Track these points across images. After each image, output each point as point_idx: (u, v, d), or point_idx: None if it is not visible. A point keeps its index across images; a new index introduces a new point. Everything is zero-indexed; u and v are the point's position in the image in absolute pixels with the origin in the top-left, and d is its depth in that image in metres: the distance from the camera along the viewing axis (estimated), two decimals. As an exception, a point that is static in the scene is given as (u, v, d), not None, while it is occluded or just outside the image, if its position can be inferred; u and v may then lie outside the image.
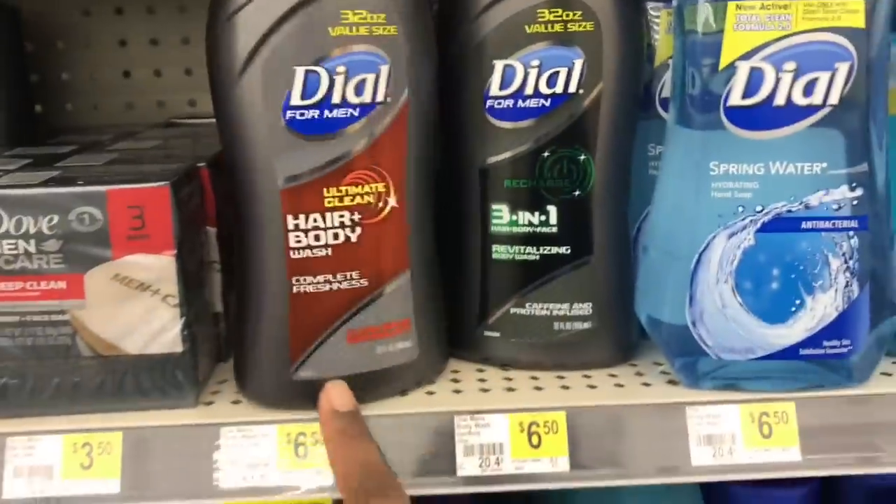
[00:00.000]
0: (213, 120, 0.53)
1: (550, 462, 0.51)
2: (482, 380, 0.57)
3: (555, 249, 0.56)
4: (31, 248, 0.50)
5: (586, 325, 0.57)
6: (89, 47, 0.98)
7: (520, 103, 0.54)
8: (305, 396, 0.52)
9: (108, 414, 0.52)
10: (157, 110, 1.00)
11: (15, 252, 0.50)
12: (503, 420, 0.52)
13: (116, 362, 0.52)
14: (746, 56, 0.50)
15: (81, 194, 0.50)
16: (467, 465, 0.51)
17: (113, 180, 0.51)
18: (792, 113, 0.50)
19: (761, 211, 0.51)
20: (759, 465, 0.52)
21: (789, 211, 0.51)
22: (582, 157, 0.54)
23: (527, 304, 0.57)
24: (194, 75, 0.99)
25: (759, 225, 0.52)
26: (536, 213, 0.55)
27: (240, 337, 0.54)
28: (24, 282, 0.51)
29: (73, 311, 0.51)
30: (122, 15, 0.98)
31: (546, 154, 0.55)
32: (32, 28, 0.95)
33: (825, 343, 0.53)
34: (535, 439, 0.52)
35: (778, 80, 0.50)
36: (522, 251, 0.56)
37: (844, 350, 0.53)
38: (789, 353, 0.53)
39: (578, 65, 0.53)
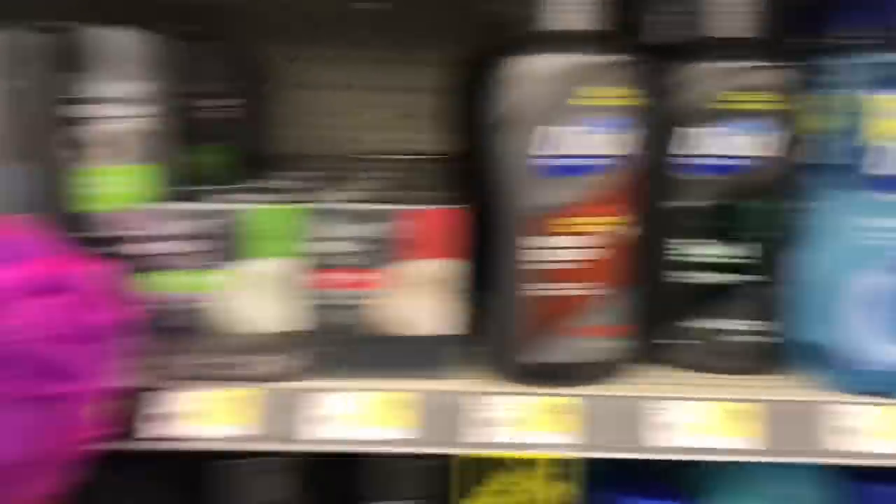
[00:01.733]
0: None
1: (745, 441, 0.66)
2: (667, 377, 0.73)
3: (737, 277, 0.71)
4: (349, 248, 0.67)
5: (754, 339, 0.72)
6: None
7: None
8: (528, 377, 0.68)
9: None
10: (349, 143, 1.17)
11: (333, 251, 0.67)
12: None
13: (400, 340, 0.69)
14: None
15: (390, 212, 0.67)
16: (655, 438, 0.66)
17: (414, 200, 0.68)
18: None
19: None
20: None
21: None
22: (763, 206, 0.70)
23: (709, 319, 0.72)
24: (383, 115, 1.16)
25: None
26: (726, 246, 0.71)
27: (489, 331, 0.71)
28: (335, 274, 0.68)
29: (372, 299, 0.68)
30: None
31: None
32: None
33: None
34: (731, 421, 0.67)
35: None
36: (710, 277, 0.72)
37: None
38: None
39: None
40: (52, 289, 0.57)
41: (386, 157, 1.07)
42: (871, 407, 0.67)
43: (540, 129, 0.65)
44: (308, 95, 1.15)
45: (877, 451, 0.66)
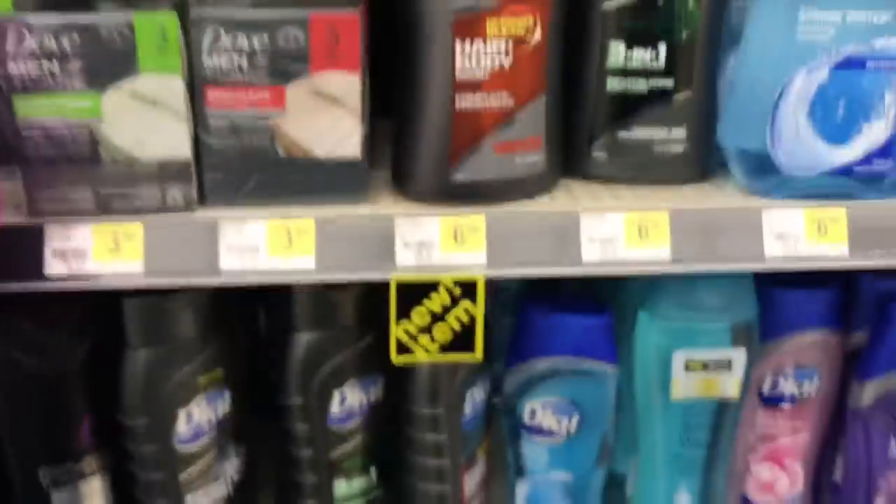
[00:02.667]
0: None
1: (656, 251, 0.65)
2: (591, 191, 0.70)
3: (661, 82, 0.68)
4: (244, 63, 0.60)
5: (680, 148, 0.69)
6: None
7: (641, -48, 0.65)
8: (460, 196, 0.65)
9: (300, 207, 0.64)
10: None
11: (230, 66, 0.60)
12: (618, 217, 0.65)
13: (306, 164, 0.63)
14: (838, -80, 0.61)
15: (287, 18, 0.60)
16: (590, 252, 0.64)
17: (312, 5, 0.60)
18: (869, -28, 0.62)
19: (836, 52, 0.63)
20: (816, 257, 0.66)
21: (859, 52, 0.64)
22: (691, 3, 0.65)
23: (632, 129, 0.69)
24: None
25: (833, 64, 0.64)
26: (649, 50, 0.67)
27: (403, 147, 0.66)
28: (233, 92, 0.61)
29: (275, 119, 0.62)
30: None
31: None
32: None
33: (875, 161, 0.66)
34: (643, 233, 0.65)
35: (861, -58, 0.61)
36: (633, 83, 0.68)
37: (888, 168, 0.66)
38: (845, 170, 0.66)
39: (693, -78, 0.64)
40: None
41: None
42: (796, 210, 0.67)
43: None
44: None
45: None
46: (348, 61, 0.61)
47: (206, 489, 0.75)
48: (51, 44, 0.57)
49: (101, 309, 0.73)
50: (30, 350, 0.70)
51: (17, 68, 0.57)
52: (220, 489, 0.77)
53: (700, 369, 0.74)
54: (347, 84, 0.62)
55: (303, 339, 0.73)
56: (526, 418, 0.77)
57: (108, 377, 0.73)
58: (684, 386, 0.75)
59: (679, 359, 0.74)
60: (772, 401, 0.81)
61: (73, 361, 0.72)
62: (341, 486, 0.78)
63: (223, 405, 0.75)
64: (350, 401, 0.76)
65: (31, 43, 0.57)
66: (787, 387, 0.80)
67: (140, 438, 0.71)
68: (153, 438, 0.71)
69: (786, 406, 0.81)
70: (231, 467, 0.77)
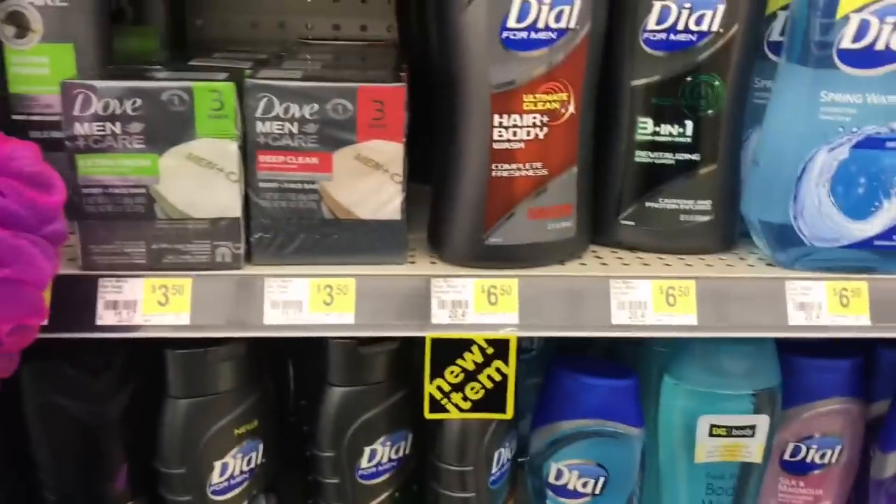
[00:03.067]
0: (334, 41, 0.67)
1: (683, 317, 0.67)
2: (620, 257, 0.73)
3: (688, 156, 0.71)
4: (294, 130, 0.64)
5: (705, 219, 0.72)
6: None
7: (671, 37, 0.68)
8: (493, 258, 0.68)
9: (341, 266, 0.67)
10: (278, 30, 1.12)
11: (281, 132, 0.64)
12: (647, 284, 0.67)
13: (349, 224, 0.66)
14: (858, 10, 0.64)
15: (337, 89, 0.63)
16: (619, 316, 0.67)
17: (359, 79, 0.64)
18: (889, 56, 0.65)
19: (856, 132, 0.66)
20: (839, 327, 0.68)
21: (878, 133, 0.67)
22: (717, 83, 0.69)
23: (659, 199, 0.72)
24: (315, 3, 1.11)
25: (853, 143, 0.67)
26: (676, 126, 0.70)
27: (440, 211, 0.69)
28: (284, 156, 0.65)
29: (322, 183, 0.65)
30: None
31: (689, 79, 0.69)
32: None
33: (894, 237, 0.68)
34: (671, 300, 0.67)
35: (880, 30, 0.64)
36: (661, 156, 0.71)
37: (908, 243, 0.69)
38: (866, 243, 0.69)
39: (721, 9, 0.67)
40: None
41: (324, 42, 1.03)
42: (819, 282, 0.69)
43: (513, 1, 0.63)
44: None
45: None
46: (392, 131, 0.65)
47: (237, 539, 0.77)
48: (114, 107, 0.61)
49: (143, 357, 0.76)
50: (73, 395, 0.73)
51: (81, 129, 0.61)
52: (251, 539, 0.79)
53: (724, 434, 0.76)
54: (390, 151, 0.65)
55: (336, 394, 0.76)
56: (552, 479, 0.78)
57: (146, 425, 0.76)
58: (708, 450, 0.76)
59: (704, 423, 0.76)
60: (794, 467, 0.82)
61: (114, 408, 0.74)
62: (368, 541, 0.80)
63: (257, 455, 0.77)
64: (379, 455, 0.78)
65: (96, 106, 0.61)
66: (809, 454, 0.82)
67: (176, 487, 0.73)
68: (189, 488, 0.73)
69: (808, 473, 0.82)
70: (262, 517, 0.79)
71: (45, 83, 0.69)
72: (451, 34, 0.64)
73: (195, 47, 0.97)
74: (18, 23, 0.67)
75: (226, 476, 0.74)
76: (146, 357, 0.75)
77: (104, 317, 0.64)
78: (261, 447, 0.77)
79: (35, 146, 0.56)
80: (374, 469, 0.77)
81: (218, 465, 0.73)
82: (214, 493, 0.74)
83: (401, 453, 0.79)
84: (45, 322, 0.57)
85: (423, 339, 0.68)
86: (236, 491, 0.75)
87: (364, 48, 0.96)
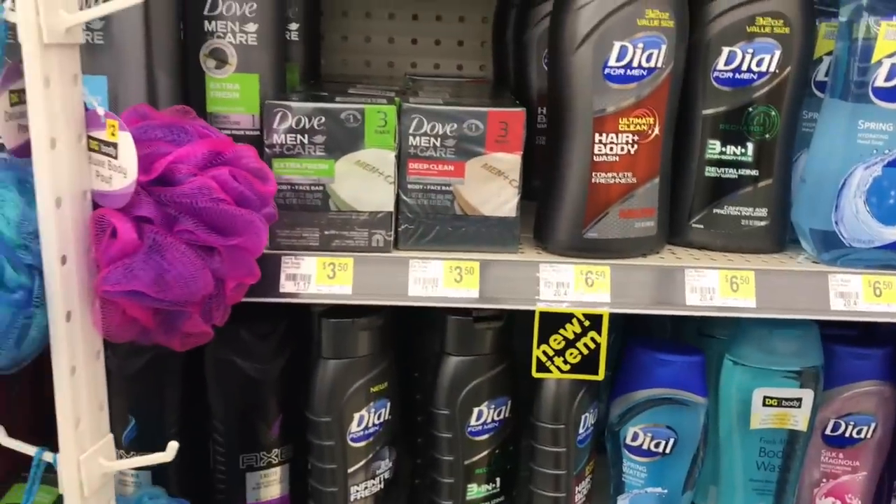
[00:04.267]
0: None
1: (744, 301, 0.82)
2: (691, 254, 0.89)
3: (749, 172, 0.88)
4: (437, 143, 0.81)
5: (762, 223, 0.88)
6: (345, 16, 1.29)
7: (736, 76, 0.85)
8: (589, 250, 0.84)
9: (466, 252, 0.84)
10: (387, 68, 1.31)
11: (427, 145, 0.81)
12: (715, 273, 0.83)
13: (475, 220, 0.83)
14: (890, 55, 0.80)
15: (472, 112, 0.81)
16: (692, 298, 0.82)
17: (487, 105, 0.81)
18: (914, 93, 0.81)
19: (888, 153, 0.82)
20: (873, 313, 0.83)
21: (905, 154, 0.82)
22: (773, 113, 0.85)
23: (724, 206, 0.88)
24: (418, 44, 1.30)
25: (885, 162, 0.82)
26: (739, 147, 0.86)
27: (547, 210, 0.86)
28: (428, 164, 0.82)
29: (455, 186, 0.82)
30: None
31: (750, 109, 0.86)
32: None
33: (920, 240, 0.84)
34: (734, 286, 0.83)
35: (908, 72, 0.81)
36: (726, 171, 0.88)
37: (931, 245, 0.84)
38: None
39: (777, 54, 0.84)
40: (218, 162, 0.71)
41: (434, 78, 1.21)
42: (856, 275, 0.84)
43: (616, 44, 0.80)
44: (357, 23, 1.28)
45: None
46: (513, 145, 0.82)
47: (366, 483, 0.93)
48: (304, 122, 0.79)
49: (296, 326, 0.93)
50: (244, 354, 0.90)
51: (277, 139, 0.79)
52: (376, 485, 0.94)
53: (775, 404, 0.90)
54: (511, 161, 0.82)
55: (452, 362, 0.92)
56: (628, 440, 0.93)
57: (297, 383, 0.92)
58: (762, 418, 0.91)
59: (758, 395, 0.91)
60: (834, 441, 0.96)
61: (275, 367, 0.92)
62: (472, 490, 0.95)
63: (385, 412, 0.93)
64: (485, 416, 0.93)
65: (291, 121, 0.79)
66: (848, 430, 0.96)
67: (322, 434, 0.90)
68: (333, 434, 0.89)
69: (846, 447, 0.96)
70: (384, 467, 0.95)
71: (235, 105, 0.87)
72: (563, 70, 0.82)
73: (324, 81, 1.16)
74: (218, 57, 0.85)
75: (362, 426, 0.91)
76: (299, 326, 0.93)
77: (285, 286, 0.81)
78: (389, 406, 0.93)
79: (254, 149, 0.74)
80: (480, 427, 0.93)
81: (356, 416, 0.90)
82: (353, 440, 0.90)
83: (502, 416, 0.95)
84: (255, 283, 0.74)
85: (525, 319, 0.85)
86: (369, 440, 0.92)
87: (470, 83, 1.14)
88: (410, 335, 1.04)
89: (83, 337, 0.71)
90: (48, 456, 0.75)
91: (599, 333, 0.83)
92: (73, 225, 0.68)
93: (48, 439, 0.75)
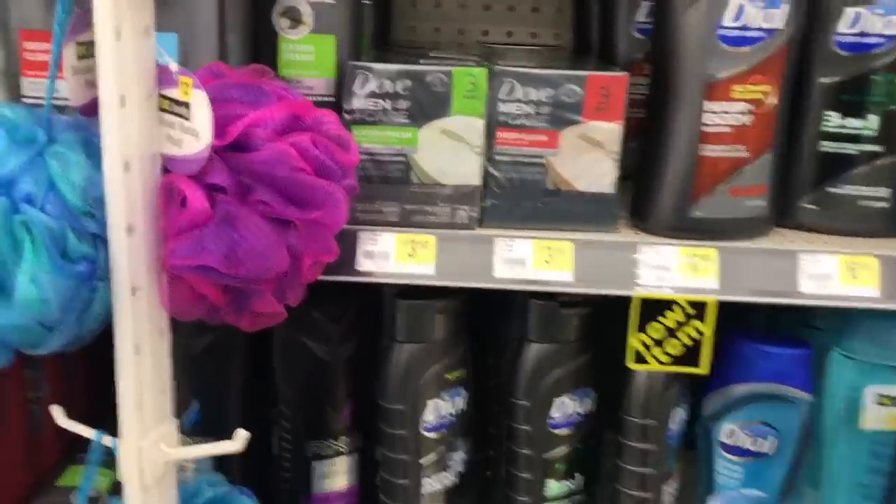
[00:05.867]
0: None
1: (866, 289, 0.75)
2: (802, 237, 0.81)
3: (870, 147, 0.79)
4: (530, 111, 0.74)
5: (882, 205, 0.80)
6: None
7: (860, 39, 0.77)
8: (694, 230, 0.77)
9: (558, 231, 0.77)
10: (457, 35, 1.24)
11: (519, 112, 0.74)
12: (833, 258, 0.75)
13: (569, 195, 0.76)
14: None
15: (570, 76, 0.74)
16: (807, 286, 0.75)
17: (586, 68, 0.74)
18: None
19: None
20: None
21: None
22: (900, 80, 0.77)
23: (840, 185, 0.80)
24: (491, 10, 1.23)
25: None
26: (860, 120, 0.78)
27: (648, 187, 0.78)
28: (519, 133, 0.75)
29: (548, 157, 0.75)
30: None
31: (875, 77, 0.77)
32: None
33: None
34: (854, 273, 0.75)
35: None
36: (844, 147, 0.79)
37: None
38: None
39: (909, 16, 0.75)
40: (297, 128, 0.65)
41: (507, 46, 1.13)
42: None
43: (732, 1, 0.72)
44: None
45: None
46: (614, 113, 0.74)
47: (438, 476, 0.87)
48: (387, 86, 0.73)
49: (368, 309, 0.88)
50: (315, 336, 0.85)
51: (358, 104, 0.73)
52: (449, 478, 0.88)
53: (890, 403, 0.82)
54: (611, 131, 0.75)
55: (534, 349, 0.85)
56: (724, 437, 0.86)
57: (368, 369, 0.87)
58: (874, 418, 0.83)
59: (871, 393, 0.83)
60: (950, 444, 0.88)
61: (347, 350, 0.86)
62: (552, 486, 0.89)
63: (460, 402, 0.87)
64: (567, 408, 0.87)
65: (372, 85, 0.72)
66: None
67: (395, 422, 0.84)
68: (405, 423, 0.84)
69: (962, 450, 0.88)
70: (459, 459, 0.89)
71: (309, 68, 0.80)
72: (672, 31, 0.74)
73: (395, 48, 1.09)
74: (293, 16, 0.79)
75: (436, 415, 0.85)
76: (371, 308, 0.87)
77: (362, 264, 0.75)
78: (465, 395, 0.87)
79: (335, 114, 0.68)
80: (562, 419, 0.87)
81: (430, 404, 0.84)
82: (426, 429, 0.84)
83: (585, 409, 0.88)
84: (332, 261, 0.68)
85: (610, 306, 0.78)
86: (443, 430, 0.86)
87: (547, 51, 1.06)
88: (484, 318, 0.98)
89: (148, 314, 0.66)
90: (107, 440, 0.71)
91: (704, 322, 0.76)
92: (141, 191, 0.62)
93: (105, 423, 0.70)
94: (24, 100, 0.78)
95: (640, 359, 0.77)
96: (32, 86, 0.77)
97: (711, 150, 0.75)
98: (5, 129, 0.61)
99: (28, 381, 0.94)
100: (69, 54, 0.61)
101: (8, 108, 0.63)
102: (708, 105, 0.74)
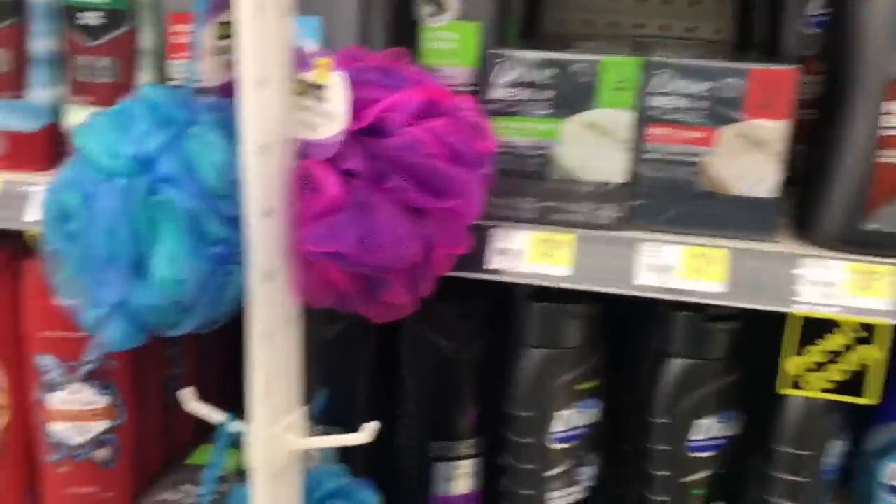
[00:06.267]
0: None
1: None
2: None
3: None
4: (685, 105, 0.69)
5: None
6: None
7: None
8: (866, 244, 0.69)
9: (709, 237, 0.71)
10: (608, 28, 1.19)
11: (673, 106, 0.69)
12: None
13: (724, 199, 0.70)
14: None
15: (731, 69, 0.68)
16: None
17: (749, 61, 0.68)
18: None
19: None
20: None
21: None
22: None
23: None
24: (646, 2, 1.17)
25: None
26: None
27: (815, 195, 0.71)
28: (672, 129, 0.70)
29: (703, 157, 0.70)
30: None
31: None
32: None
33: None
34: None
35: None
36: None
37: None
38: None
39: None
40: (434, 113, 0.62)
41: (663, 39, 1.07)
42: None
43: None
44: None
45: None
46: (779, 111, 0.68)
47: (565, 490, 0.82)
48: (528, 76, 0.69)
49: (499, 309, 0.84)
50: (446, 333, 0.82)
51: (498, 94, 0.70)
52: (577, 494, 0.84)
53: None
54: (774, 131, 0.68)
55: (676, 365, 0.79)
56: (887, 478, 0.77)
57: (496, 372, 0.83)
58: None
59: None
60: None
61: (477, 351, 0.83)
62: (688, 513, 0.82)
63: (593, 414, 0.82)
64: (709, 430, 0.80)
65: (513, 74, 0.69)
66: None
67: (521, 429, 0.80)
68: (533, 431, 0.80)
69: None
70: (588, 474, 0.84)
71: (450, 57, 0.77)
72: (850, 23, 0.67)
73: (544, 38, 1.05)
74: (437, 2, 0.77)
75: (566, 426, 0.80)
76: (504, 309, 0.84)
77: (493, 262, 0.71)
78: (598, 407, 0.82)
79: (473, 100, 0.65)
80: (703, 442, 0.80)
81: (561, 414, 0.80)
82: (555, 440, 0.80)
83: (728, 433, 0.81)
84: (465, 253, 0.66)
85: (761, 321, 0.71)
86: (573, 443, 0.81)
87: (706, 45, 0.99)
88: (621, 326, 0.92)
89: (281, 300, 0.65)
90: (237, 425, 0.71)
91: (874, 348, 0.68)
92: (278, 175, 0.61)
93: (239, 402, 0.70)
94: (170, 82, 0.79)
95: (794, 383, 0.70)
96: (177, 68, 0.79)
97: (890, 156, 0.67)
98: (147, 109, 0.62)
99: (167, 358, 0.97)
100: (208, 34, 0.61)
101: (150, 89, 0.64)
102: (888, 106, 0.66)
